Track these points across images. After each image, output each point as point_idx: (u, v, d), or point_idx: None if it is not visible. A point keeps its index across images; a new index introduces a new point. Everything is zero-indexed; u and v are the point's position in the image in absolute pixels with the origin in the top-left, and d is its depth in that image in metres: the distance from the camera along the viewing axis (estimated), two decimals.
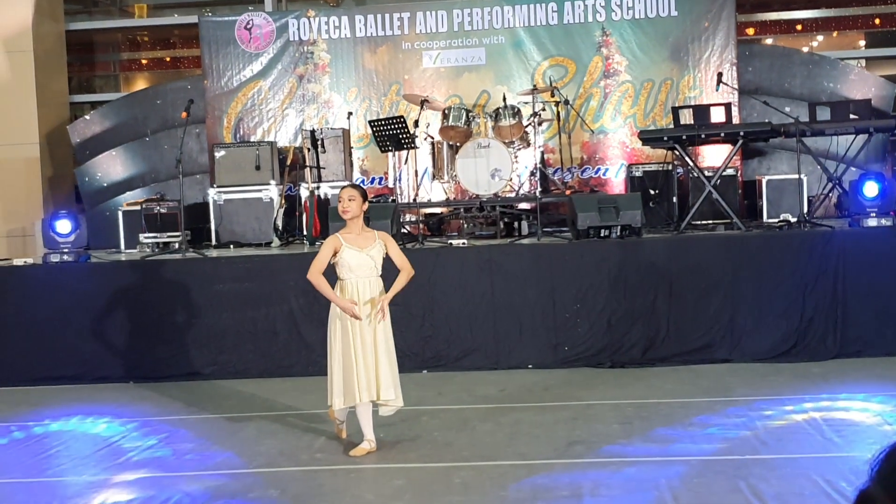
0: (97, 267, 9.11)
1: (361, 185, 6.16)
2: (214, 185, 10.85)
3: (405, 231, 9.96)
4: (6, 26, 12.48)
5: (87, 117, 12.82)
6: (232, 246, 10.41)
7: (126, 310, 8.67)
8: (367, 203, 6.10)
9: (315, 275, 5.92)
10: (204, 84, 12.04)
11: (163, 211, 10.53)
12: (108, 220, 11.61)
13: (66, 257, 9.08)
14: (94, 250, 10.16)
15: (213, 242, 10.60)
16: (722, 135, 9.53)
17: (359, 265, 5.89)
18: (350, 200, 5.95)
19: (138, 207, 10.80)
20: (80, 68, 14.74)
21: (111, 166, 12.43)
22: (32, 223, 11.94)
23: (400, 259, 6.11)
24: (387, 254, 6.03)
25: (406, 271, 6.05)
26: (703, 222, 9.74)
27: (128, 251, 10.56)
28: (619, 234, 8.71)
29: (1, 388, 8.53)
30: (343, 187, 6.16)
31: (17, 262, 9.42)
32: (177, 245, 9.80)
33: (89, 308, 8.72)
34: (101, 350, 8.66)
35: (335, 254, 5.92)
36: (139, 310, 8.70)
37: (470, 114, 10.66)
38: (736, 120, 10.52)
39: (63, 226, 9.19)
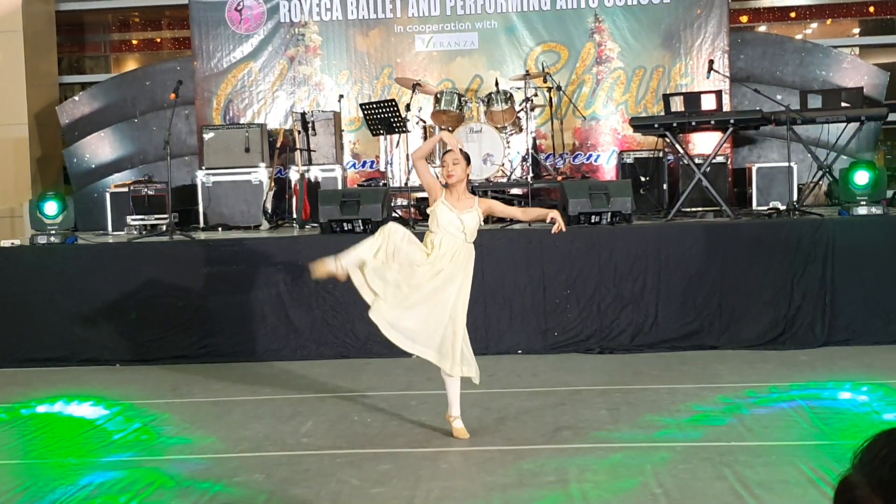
0: (84, 248, 9.07)
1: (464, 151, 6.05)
2: (203, 167, 10.80)
3: (396, 215, 9.92)
4: None
5: (77, 98, 12.74)
6: (220, 228, 10.36)
7: (113, 292, 8.63)
8: (470, 166, 6.05)
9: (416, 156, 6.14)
10: (194, 65, 11.96)
11: (151, 193, 10.47)
12: (95, 202, 11.57)
13: (53, 239, 9.03)
14: (82, 232, 10.12)
15: (202, 225, 10.55)
16: (712, 122, 9.51)
17: (448, 223, 5.84)
18: (455, 164, 5.89)
19: (126, 189, 10.74)
20: (70, 49, 14.63)
21: (100, 147, 12.37)
22: (20, 204, 11.88)
23: (508, 210, 6.25)
24: (495, 217, 6.16)
25: (526, 211, 6.39)
26: (693, 209, 9.73)
27: (115, 233, 10.50)
28: (609, 220, 8.70)
29: None
30: (447, 151, 6.06)
31: (5, 243, 9.35)
32: (164, 227, 9.75)
33: (76, 290, 8.68)
34: (88, 332, 8.62)
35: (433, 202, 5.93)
36: (126, 292, 8.66)
37: (462, 98, 10.62)
38: (727, 107, 10.51)
39: (51, 207, 9.14)
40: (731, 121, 9.36)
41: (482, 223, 6.07)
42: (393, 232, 5.81)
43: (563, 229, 6.02)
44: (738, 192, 10.81)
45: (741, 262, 8.32)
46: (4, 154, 12.37)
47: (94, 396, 7.37)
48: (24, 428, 6.56)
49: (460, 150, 6.02)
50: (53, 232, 9.07)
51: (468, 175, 6.01)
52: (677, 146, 9.64)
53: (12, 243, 9.27)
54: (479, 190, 10.27)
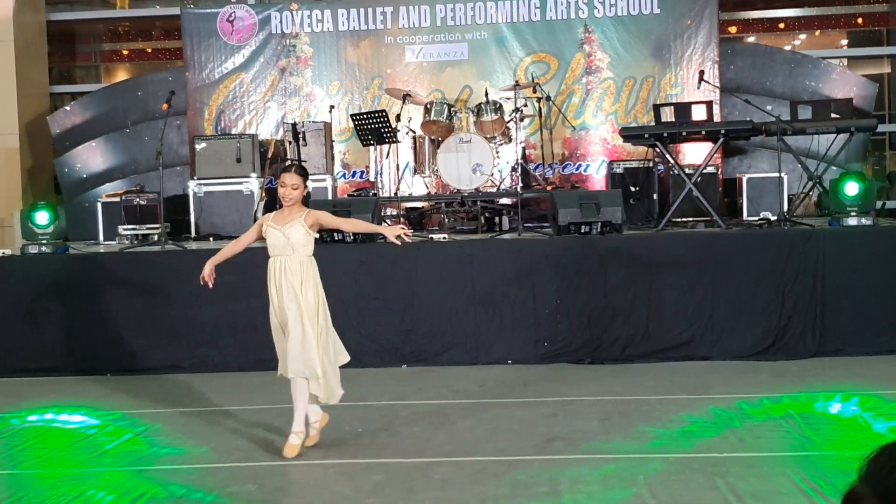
0: (76, 258, 9.05)
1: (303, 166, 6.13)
2: (195, 178, 10.80)
3: (386, 224, 9.93)
4: None
5: (68, 108, 12.73)
6: (212, 238, 10.36)
7: (104, 302, 8.61)
8: (306, 188, 6.03)
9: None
10: (185, 76, 11.98)
11: (142, 203, 10.47)
12: (87, 212, 11.55)
13: (44, 248, 9.01)
14: (73, 242, 10.09)
15: (193, 235, 10.55)
16: (703, 132, 9.54)
17: (275, 241, 5.84)
18: (294, 189, 5.87)
19: (118, 199, 10.74)
20: (61, 59, 14.63)
21: (91, 157, 12.36)
22: (11, 214, 11.86)
23: (334, 221, 6.23)
24: (321, 227, 6.01)
25: (355, 223, 6.58)
26: (684, 220, 9.76)
27: (107, 243, 10.49)
28: (599, 230, 8.71)
29: None
30: (284, 170, 6.04)
31: None
32: (156, 237, 9.74)
33: (67, 300, 8.66)
34: (79, 342, 8.60)
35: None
36: (118, 302, 8.64)
37: (452, 109, 10.65)
38: (717, 118, 10.56)
39: (42, 217, 9.12)
40: (722, 131, 9.39)
41: (314, 234, 5.91)
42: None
43: (408, 239, 6.02)
44: (729, 203, 10.85)
45: (732, 273, 8.34)
46: None
47: (85, 406, 7.35)
48: (14, 438, 6.53)
49: (300, 167, 6.11)
50: (45, 241, 9.05)
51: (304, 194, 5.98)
52: (668, 156, 9.68)
53: (3, 253, 9.24)
54: (469, 200, 10.32)
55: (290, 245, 5.81)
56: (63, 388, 8.06)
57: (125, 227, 10.38)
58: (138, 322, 8.58)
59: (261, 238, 5.98)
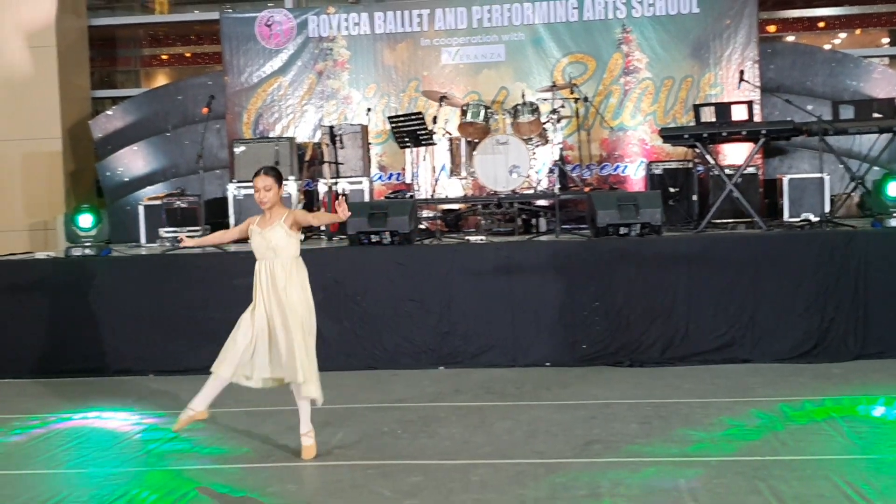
0: (118, 261, 9.15)
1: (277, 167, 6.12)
2: (234, 181, 10.87)
3: (423, 227, 9.95)
4: (30, 22, 12.56)
5: (109, 112, 12.88)
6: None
7: (146, 303, 8.70)
8: (283, 187, 6.00)
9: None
10: (224, 80, 12.09)
11: (183, 206, 10.57)
12: (128, 215, 11.70)
13: (87, 251, 9.14)
14: (115, 244, 10.22)
15: None
16: (743, 133, 9.45)
17: (258, 245, 5.85)
18: (267, 191, 5.82)
19: (159, 202, 10.85)
20: (102, 63, 14.80)
21: (132, 161, 12.50)
22: (54, 217, 12.02)
23: (306, 217, 5.99)
24: (299, 226, 5.87)
25: (317, 215, 6.55)
26: (724, 221, 9.69)
27: (148, 245, 10.60)
28: (638, 231, 8.67)
29: (22, 381, 8.59)
30: (257, 174, 5.89)
31: (40, 255, 9.49)
32: None
33: (110, 302, 8.75)
34: (122, 343, 8.70)
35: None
36: (159, 303, 8.73)
37: (488, 110, 10.65)
38: (758, 118, 10.47)
39: (85, 220, 9.25)
40: (763, 131, 9.30)
41: (297, 234, 5.86)
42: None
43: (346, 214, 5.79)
44: (770, 204, 10.76)
45: (773, 275, 8.26)
46: (39, 168, 12.52)
47: (128, 407, 7.43)
48: (59, 438, 6.61)
49: (270, 168, 5.96)
50: (88, 244, 9.17)
51: (280, 195, 5.90)
52: (708, 157, 9.61)
53: (47, 256, 9.38)
54: (506, 202, 10.30)
55: (272, 248, 5.80)
56: (105, 389, 8.16)
57: (166, 229, 10.48)
58: (179, 323, 8.66)
59: (245, 238, 6.00)
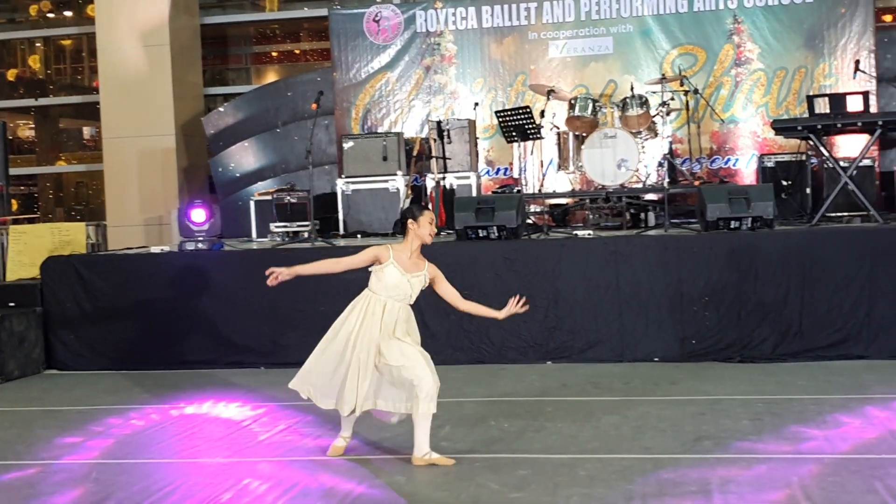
0: (230, 255, 9.36)
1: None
2: (342, 176, 11.04)
3: (530, 222, 9.93)
4: (144, 21, 12.94)
5: (221, 109, 13.19)
6: (359, 235, 10.58)
7: (257, 297, 8.86)
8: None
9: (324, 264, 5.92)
10: (333, 76, 12.27)
11: (293, 201, 10.77)
12: (240, 210, 11.95)
13: (200, 245, 9.37)
14: (227, 238, 10.46)
15: (341, 232, 10.79)
16: (859, 124, 9.19)
17: (395, 286, 5.58)
18: (431, 224, 5.66)
19: (269, 197, 11.08)
20: (214, 61, 15.17)
21: (243, 157, 12.78)
22: (168, 212, 12.37)
23: (448, 291, 5.80)
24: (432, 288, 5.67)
25: (467, 303, 5.89)
26: (839, 214, 9.44)
27: (259, 240, 10.83)
28: (750, 225, 8.50)
29: (138, 372, 8.85)
30: (426, 210, 5.74)
31: (154, 249, 9.78)
32: (306, 234, 10.01)
33: (222, 295, 8.96)
34: (233, 336, 8.90)
35: (376, 263, 5.61)
36: (270, 297, 8.85)
37: (596, 104, 10.57)
38: (874, 109, 10.17)
39: (198, 215, 9.49)
40: (879, 122, 9.03)
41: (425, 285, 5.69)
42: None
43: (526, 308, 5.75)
44: (886, 197, 10.45)
45: (890, 269, 8.02)
46: (153, 164, 12.90)
47: (239, 398, 7.61)
48: (174, 428, 6.80)
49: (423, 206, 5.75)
50: (201, 238, 9.41)
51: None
52: (822, 149, 9.37)
53: (161, 250, 9.66)
54: (614, 196, 10.21)
55: (410, 296, 5.66)
56: (218, 380, 8.36)
57: (277, 224, 10.70)
58: (290, 316, 8.81)
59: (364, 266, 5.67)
